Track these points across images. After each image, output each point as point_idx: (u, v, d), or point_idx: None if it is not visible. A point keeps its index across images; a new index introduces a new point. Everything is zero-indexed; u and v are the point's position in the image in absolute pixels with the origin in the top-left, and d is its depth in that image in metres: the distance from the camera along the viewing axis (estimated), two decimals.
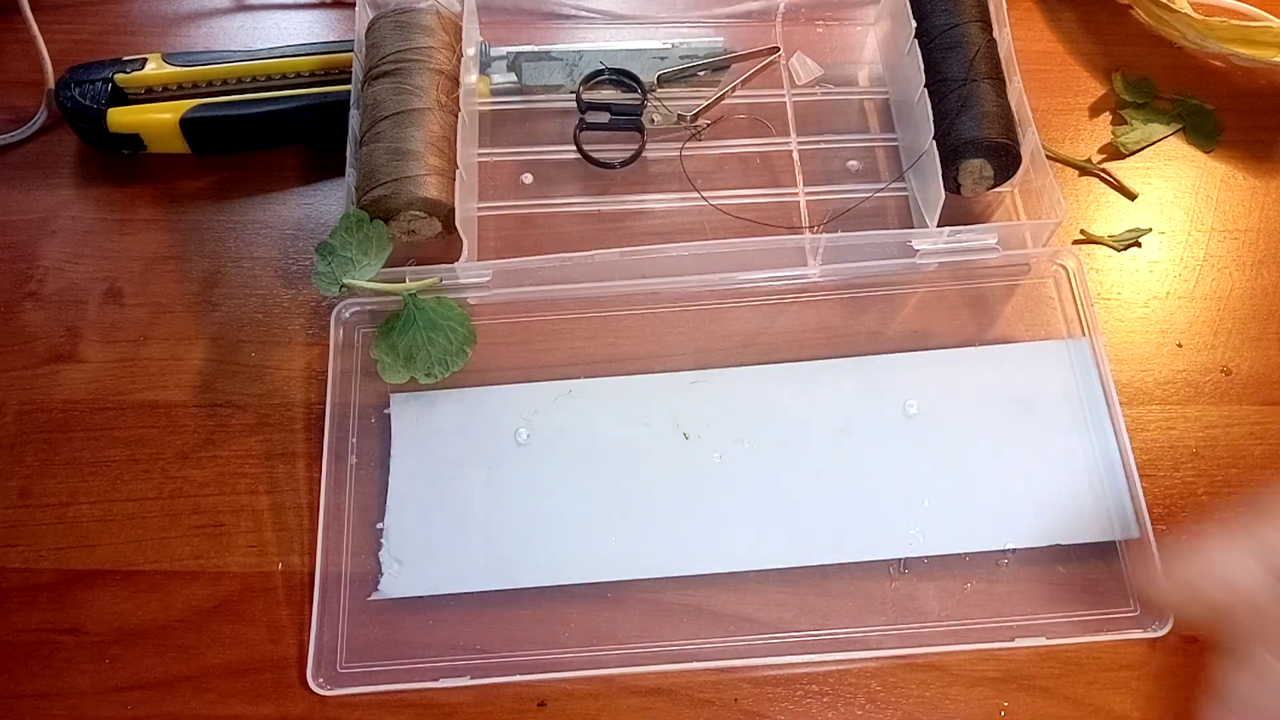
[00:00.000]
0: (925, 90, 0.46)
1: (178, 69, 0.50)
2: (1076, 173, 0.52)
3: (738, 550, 0.42)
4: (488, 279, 0.45)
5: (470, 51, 0.49)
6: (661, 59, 0.52)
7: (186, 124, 0.49)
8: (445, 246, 0.47)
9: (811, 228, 0.48)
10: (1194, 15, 0.53)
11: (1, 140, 0.52)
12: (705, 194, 0.49)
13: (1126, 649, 0.40)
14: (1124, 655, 0.40)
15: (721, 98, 0.51)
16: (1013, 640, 0.40)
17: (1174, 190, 0.52)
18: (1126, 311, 0.48)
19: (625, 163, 0.50)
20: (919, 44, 0.48)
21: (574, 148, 0.50)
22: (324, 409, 0.44)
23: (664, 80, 0.51)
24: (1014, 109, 0.47)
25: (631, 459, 0.43)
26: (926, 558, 0.42)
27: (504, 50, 0.52)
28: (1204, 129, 0.53)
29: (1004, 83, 0.48)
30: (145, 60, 0.50)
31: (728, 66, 0.52)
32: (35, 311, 0.48)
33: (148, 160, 0.51)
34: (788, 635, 0.40)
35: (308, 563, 0.42)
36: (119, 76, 0.49)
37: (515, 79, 0.52)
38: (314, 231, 0.49)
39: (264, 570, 0.42)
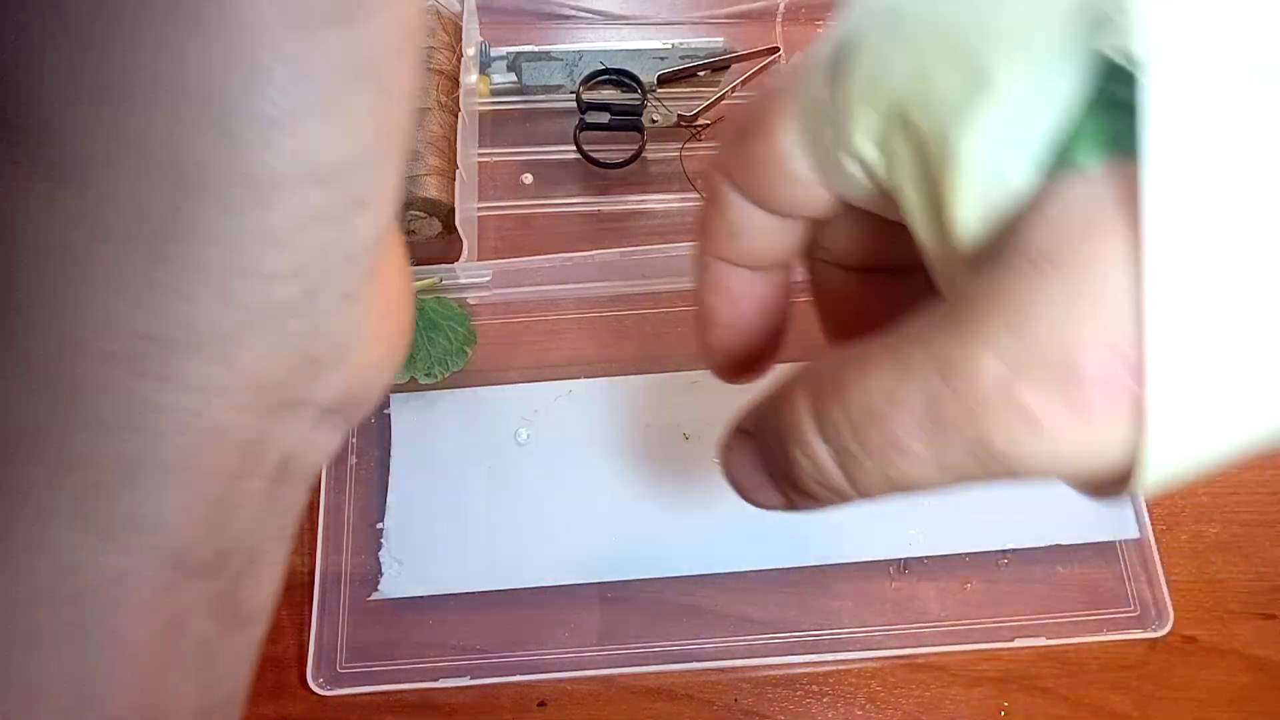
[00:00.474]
0: None
1: None
2: None
3: (738, 550, 0.42)
4: (488, 279, 0.45)
5: (470, 51, 0.49)
6: (661, 59, 0.52)
7: None
8: (445, 246, 0.47)
9: None
10: None
11: None
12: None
13: (1126, 649, 0.40)
14: (1124, 655, 0.40)
15: (721, 98, 0.51)
16: (1013, 640, 0.40)
17: None
18: None
19: (625, 163, 0.50)
20: None
21: (574, 148, 0.50)
22: None
23: (664, 80, 0.51)
24: None
25: (631, 459, 0.43)
26: (926, 558, 0.42)
27: (504, 50, 0.52)
28: None
29: None
30: None
31: (728, 66, 0.52)
32: None
33: None
34: (788, 635, 0.40)
35: (307, 562, 0.42)
36: None
37: (515, 79, 0.52)
38: None
39: None
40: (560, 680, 0.40)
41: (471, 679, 0.39)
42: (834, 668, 0.40)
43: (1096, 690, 0.40)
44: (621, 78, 0.51)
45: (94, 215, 0.12)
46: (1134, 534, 0.42)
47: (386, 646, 0.40)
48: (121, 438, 0.13)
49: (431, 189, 0.44)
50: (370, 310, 0.16)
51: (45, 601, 0.14)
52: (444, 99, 0.47)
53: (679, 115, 0.50)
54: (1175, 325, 0.15)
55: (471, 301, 0.46)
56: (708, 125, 0.51)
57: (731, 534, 0.42)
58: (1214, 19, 0.14)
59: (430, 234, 0.46)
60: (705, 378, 0.45)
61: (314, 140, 0.13)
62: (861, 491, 0.19)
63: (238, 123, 0.12)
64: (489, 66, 0.52)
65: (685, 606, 0.41)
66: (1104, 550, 0.42)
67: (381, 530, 0.42)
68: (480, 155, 0.50)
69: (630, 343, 0.46)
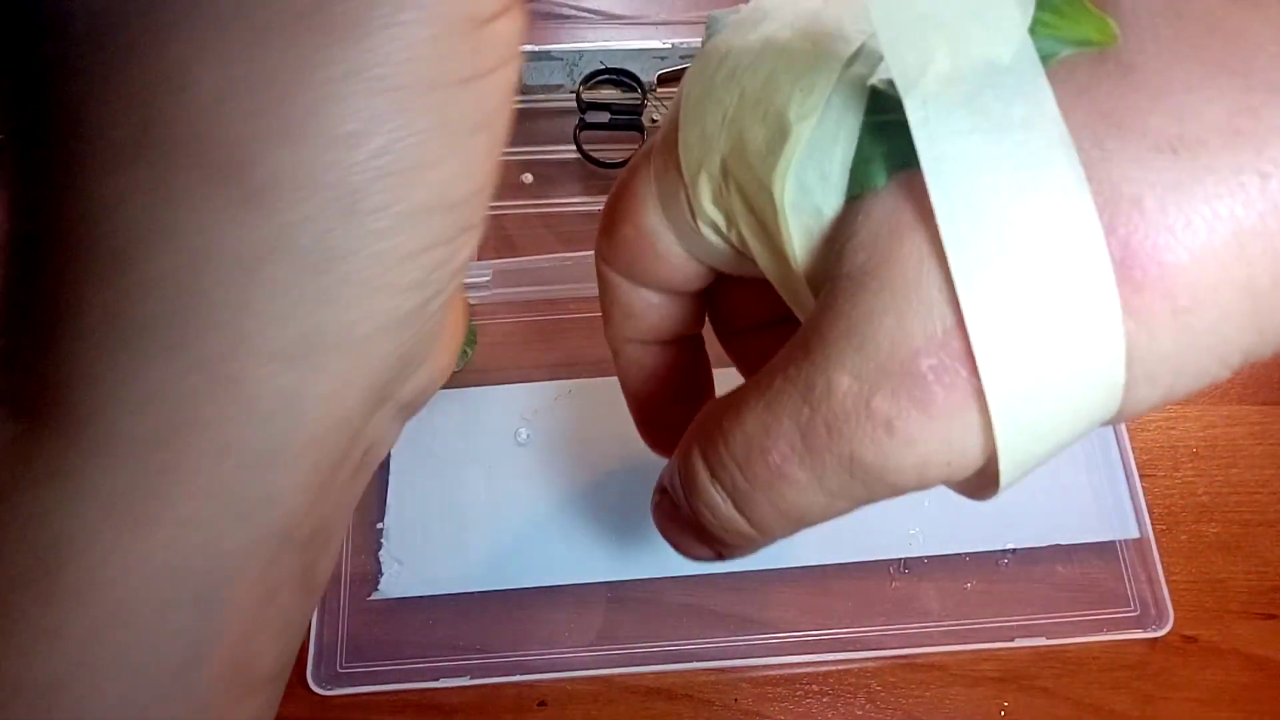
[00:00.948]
0: None
1: None
2: None
3: None
4: (488, 279, 0.45)
5: None
6: (661, 59, 0.52)
7: None
8: None
9: None
10: None
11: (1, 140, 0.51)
12: None
13: (1126, 649, 0.40)
14: (1124, 655, 0.40)
15: None
16: (1013, 640, 0.40)
17: None
18: None
19: (625, 163, 0.50)
20: None
21: (574, 147, 0.50)
22: None
23: (664, 80, 0.51)
24: None
25: (631, 459, 0.43)
26: (926, 558, 0.42)
27: None
28: None
29: None
30: None
31: None
32: None
33: None
34: (788, 635, 0.40)
35: None
36: None
37: None
38: None
39: None
40: (560, 680, 0.40)
41: (471, 679, 0.39)
42: (834, 668, 0.40)
43: (1096, 690, 0.40)
44: (621, 77, 0.51)
45: (278, 234, 0.15)
46: (1134, 534, 0.42)
47: (386, 646, 0.40)
48: (267, 426, 0.16)
49: None
50: (449, 317, 0.19)
51: (179, 574, 0.16)
52: None
53: None
54: (988, 303, 0.16)
55: (471, 301, 0.46)
56: None
57: None
58: (942, 38, 0.16)
59: None
60: None
61: (447, 178, 0.16)
62: (760, 529, 0.20)
63: (394, 162, 0.15)
64: None
65: (685, 606, 0.41)
66: (1104, 550, 0.42)
67: (381, 530, 0.42)
68: None
69: None
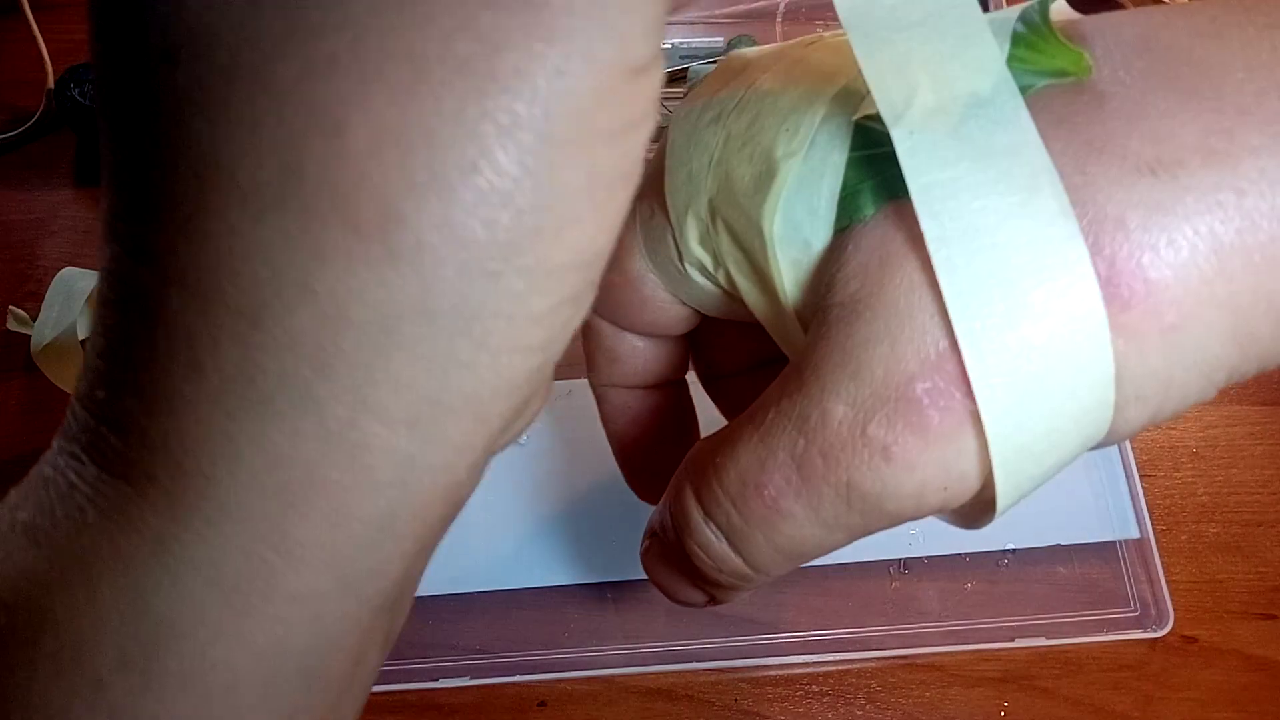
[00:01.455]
0: None
1: None
2: None
3: None
4: None
5: None
6: None
7: None
8: None
9: None
10: None
11: (1, 140, 0.52)
12: None
13: (1126, 649, 0.40)
14: (1124, 655, 0.40)
15: None
16: (1013, 640, 0.40)
17: None
18: None
19: None
20: None
21: None
22: None
23: (664, 80, 0.51)
24: None
25: None
26: (926, 558, 0.42)
27: None
28: None
29: None
30: None
31: None
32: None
33: None
34: (788, 635, 0.40)
35: None
36: None
37: None
38: None
39: None
40: (560, 680, 0.40)
41: (471, 679, 0.39)
42: (834, 668, 0.40)
43: (1096, 690, 0.40)
44: None
45: (419, 294, 0.14)
46: (1134, 534, 0.42)
47: None
48: (384, 494, 0.15)
49: None
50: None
51: (284, 652, 0.15)
52: None
53: None
54: (981, 324, 0.16)
55: None
56: None
57: None
58: (925, 74, 0.17)
59: None
60: None
61: (587, 235, 0.15)
62: (756, 567, 0.19)
63: (541, 220, 0.14)
64: None
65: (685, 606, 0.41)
66: (1104, 550, 0.42)
67: None
68: None
69: None
